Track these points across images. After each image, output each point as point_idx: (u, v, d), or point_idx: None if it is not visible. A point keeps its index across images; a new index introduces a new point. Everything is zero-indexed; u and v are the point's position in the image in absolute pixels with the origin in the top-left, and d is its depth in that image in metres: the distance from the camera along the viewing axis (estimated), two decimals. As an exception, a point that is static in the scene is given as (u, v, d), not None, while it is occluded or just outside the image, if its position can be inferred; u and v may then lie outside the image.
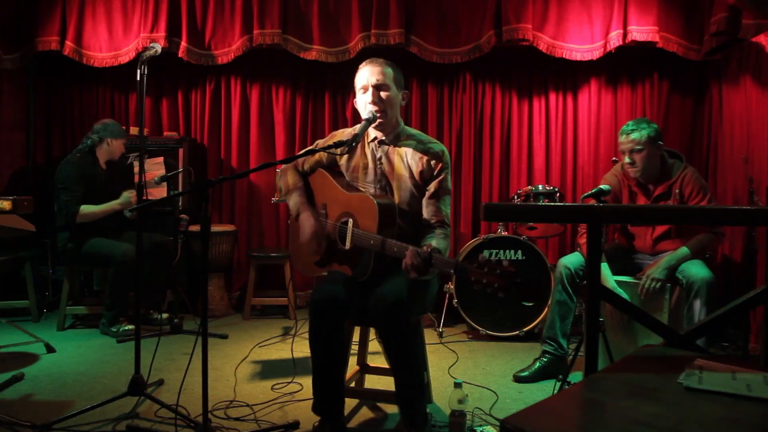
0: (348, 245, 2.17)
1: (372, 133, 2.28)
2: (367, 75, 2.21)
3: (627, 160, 2.89)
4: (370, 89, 2.19)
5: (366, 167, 2.28)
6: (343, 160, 2.33)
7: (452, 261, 1.87)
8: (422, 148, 2.23)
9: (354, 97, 2.30)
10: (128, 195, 3.68)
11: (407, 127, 2.32)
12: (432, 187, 2.22)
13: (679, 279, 2.74)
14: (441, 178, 2.22)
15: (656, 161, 2.88)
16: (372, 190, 2.26)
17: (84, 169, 3.63)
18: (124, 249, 3.54)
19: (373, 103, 2.18)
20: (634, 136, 2.84)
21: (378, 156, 2.27)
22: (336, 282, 2.14)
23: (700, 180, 2.89)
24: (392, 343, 2.06)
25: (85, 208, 3.56)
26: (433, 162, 2.21)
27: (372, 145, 2.28)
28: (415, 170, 2.22)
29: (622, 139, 2.90)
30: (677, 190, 2.87)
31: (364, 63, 2.26)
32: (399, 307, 1.99)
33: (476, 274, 1.77)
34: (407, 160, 2.23)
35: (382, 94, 2.19)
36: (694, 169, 2.95)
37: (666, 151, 2.96)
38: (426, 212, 2.22)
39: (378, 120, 2.19)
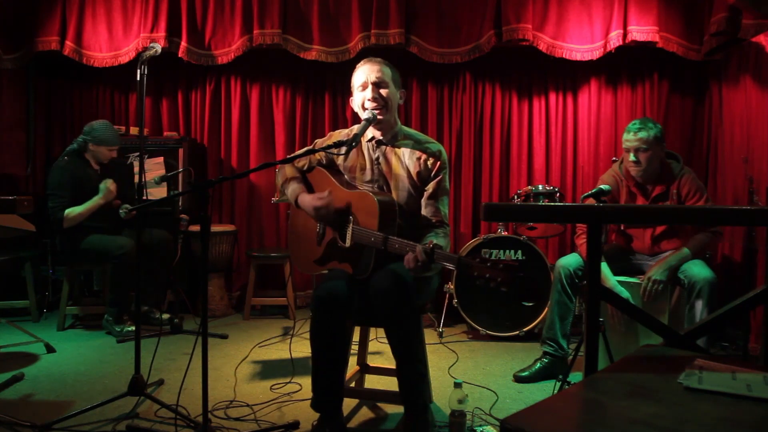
0: (348, 243, 2.17)
1: (370, 132, 2.28)
2: (366, 73, 2.21)
3: (632, 158, 2.85)
4: (370, 86, 2.19)
5: (363, 167, 2.28)
6: (340, 160, 2.33)
7: (455, 256, 1.87)
8: (420, 148, 2.23)
9: (351, 96, 2.29)
10: (104, 185, 3.58)
11: (404, 127, 2.32)
12: (430, 187, 2.22)
13: (681, 279, 2.74)
14: (439, 178, 2.22)
15: (658, 162, 2.88)
16: (371, 189, 2.26)
17: (73, 172, 3.58)
18: (122, 243, 3.52)
19: (373, 99, 2.17)
20: (642, 134, 2.81)
21: (375, 156, 2.27)
22: (338, 279, 2.14)
23: (696, 181, 2.89)
24: (395, 324, 2.05)
25: (70, 212, 3.50)
26: (430, 162, 2.21)
27: (369, 145, 2.28)
28: (413, 170, 2.22)
29: (628, 137, 2.86)
30: (675, 191, 2.87)
31: (362, 62, 2.26)
32: (403, 284, 1.99)
33: (479, 269, 1.77)
34: (405, 160, 2.23)
35: (382, 91, 2.19)
36: (690, 169, 2.95)
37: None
38: (425, 212, 2.22)
39: (378, 118, 2.19)
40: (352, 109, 2.32)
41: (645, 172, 2.87)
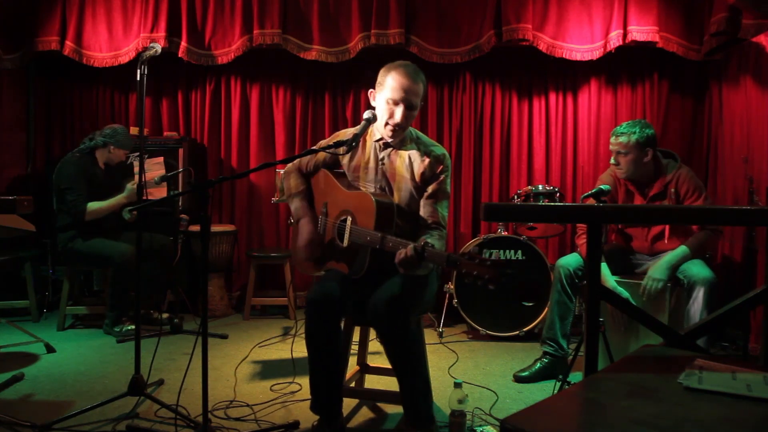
0: (346, 243, 2.18)
1: (377, 133, 2.28)
2: (403, 89, 2.14)
3: (612, 160, 2.94)
4: (401, 107, 2.15)
5: (367, 166, 2.29)
6: (345, 160, 2.34)
7: (444, 254, 1.87)
8: (424, 151, 2.24)
9: (373, 89, 2.25)
10: (132, 187, 3.63)
11: (413, 129, 2.32)
12: (431, 188, 2.22)
13: (681, 279, 2.74)
14: (440, 180, 2.22)
15: (644, 166, 2.88)
16: (372, 189, 2.26)
17: (85, 168, 3.63)
18: (123, 249, 3.54)
19: (401, 121, 2.15)
20: (622, 139, 2.85)
21: (381, 156, 2.27)
22: (331, 280, 2.15)
23: (695, 179, 2.89)
24: (392, 343, 2.07)
25: (92, 205, 3.56)
26: (434, 164, 2.22)
27: (376, 145, 2.28)
28: (417, 172, 2.22)
29: (611, 140, 2.92)
30: (673, 190, 2.88)
31: (404, 67, 2.18)
32: (396, 305, 1.99)
33: (467, 266, 1.77)
34: (409, 162, 2.23)
35: (410, 113, 2.18)
36: (689, 168, 2.96)
37: (660, 151, 2.97)
38: (423, 212, 2.23)
39: (395, 136, 2.20)
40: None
41: (626, 175, 2.92)
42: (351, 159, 2.32)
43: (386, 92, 2.17)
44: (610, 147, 2.93)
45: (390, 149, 2.26)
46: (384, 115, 2.18)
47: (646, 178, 2.92)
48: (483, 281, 1.74)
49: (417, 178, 2.22)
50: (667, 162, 2.94)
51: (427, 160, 2.21)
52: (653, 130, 2.89)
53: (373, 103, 2.27)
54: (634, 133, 2.84)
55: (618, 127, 2.91)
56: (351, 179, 2.33)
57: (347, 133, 2.33)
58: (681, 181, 2.87)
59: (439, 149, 2.26)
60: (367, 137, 2.30)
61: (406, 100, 2.14)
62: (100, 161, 3.75)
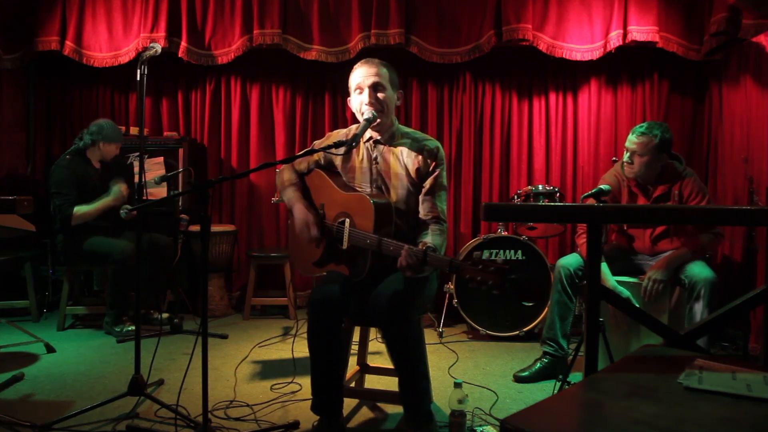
0: (345, 245, 2.18)
1: (367, 133, 2.27)
2: (362, 76, 2.20)
3: (625, 158, 2.91)
4: (366, 90, 2.18)
5: (362, 167, 2.28)
6: (339, 161, 2.33)
7: (447, 259, 1.87)
8: (417, 146, 2.24)
9: (349, 96, 2.29)
10: (117, 188, 3.62)
11: (401, 126, 2.33)
12: (428, 183, 2.22)
13: (681, 279, 2.75)
14: (436, 174, 2.23)
15: (655, 168, 2.88)
16: (368, 190, 2.26)
17: (76, 171, 3.59)
18: (122, 247, 3.53)
19: (370, 104, 2.17)
20: (642, 140, 2.83)
21: (374, 156, 2.27)
22: (333, 282, 2.15)
23: (699, 182, 2.89)
24: (394, 339, 2.07)
25: (79, 209, 3.52)
26: (428, 159, 2.22)
27: (367, 145, 2.28)
28: (412, 168, 2.22)
29: (630, 137, 2.89)
30: (677, 192, 2.87)
31: (359, 63, 2.25)
32: (398, 301, 1.99)
33: (470, 272, 1.77)
34: (403, 158, 2.24)
35: (379, 95, 2.19)
36: (693, 171, 2.96)
37: None
38: (422, 209, 2.23)
39: (377, 120, 2.19)
40: (352, 109, 2.31)
41: (637, 174, 2.90)
42: (346, 160, 2.32)
43: (352, 87, 2.24)
44: (627, 144, 2.90)
45: (382, 147, 2.26)
46: (358, 108, 2.21)
47: (653, 180, 2.92)
48: (487, 287, 1.74)
49: (413, 174, 2.22)
50: (672, 163, 2.93)
51: (421, 156, 2.21)
52: (671, 134, 2.88)
53: (352, 109, 2.28)
54: (656, 136, 2.82)
55: (639, 126, 2.89)
56: (346, 180, 2.33)
57: (340, 133, 2.34)
58: (685, 183, 2.87)
59: (432, 142, 2.26)
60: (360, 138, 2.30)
61: (368, 81, 2.18)
62: (94, 160, 3.72)
